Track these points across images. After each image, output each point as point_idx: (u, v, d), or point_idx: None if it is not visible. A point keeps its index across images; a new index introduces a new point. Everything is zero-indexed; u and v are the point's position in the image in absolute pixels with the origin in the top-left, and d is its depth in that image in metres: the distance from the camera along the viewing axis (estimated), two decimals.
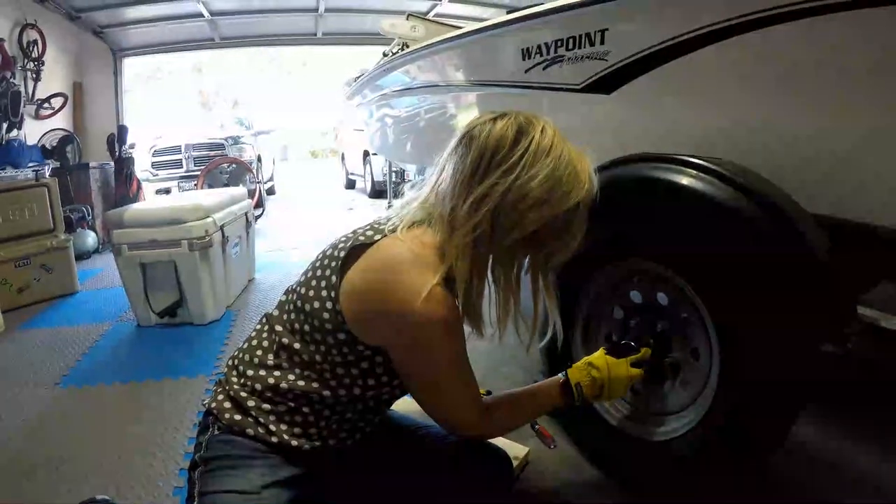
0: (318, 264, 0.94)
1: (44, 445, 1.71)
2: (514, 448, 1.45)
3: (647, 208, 1.23)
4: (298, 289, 0.96)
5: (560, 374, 1.13)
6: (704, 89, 1.37)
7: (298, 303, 0.93)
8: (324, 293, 0.89)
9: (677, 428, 1.26)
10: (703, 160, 1.14)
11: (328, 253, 0.94)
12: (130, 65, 7.13)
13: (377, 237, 0.90)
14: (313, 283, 0.92)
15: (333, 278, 0.89)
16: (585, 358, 1.15)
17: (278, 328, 0.95)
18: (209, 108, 17.08)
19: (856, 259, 1.19)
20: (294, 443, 0.92)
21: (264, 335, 0.98)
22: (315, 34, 7.34)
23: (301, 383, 0.91)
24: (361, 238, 0.90)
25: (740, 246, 1.08)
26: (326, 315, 0.88)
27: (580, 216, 0.92)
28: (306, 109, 16.68)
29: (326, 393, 0.91)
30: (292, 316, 0.94)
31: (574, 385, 1.08)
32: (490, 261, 0.90)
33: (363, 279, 0.86)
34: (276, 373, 0.92)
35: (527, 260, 0.97)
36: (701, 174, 1.12)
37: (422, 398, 0.95)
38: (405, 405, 1.12)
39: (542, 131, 0.87)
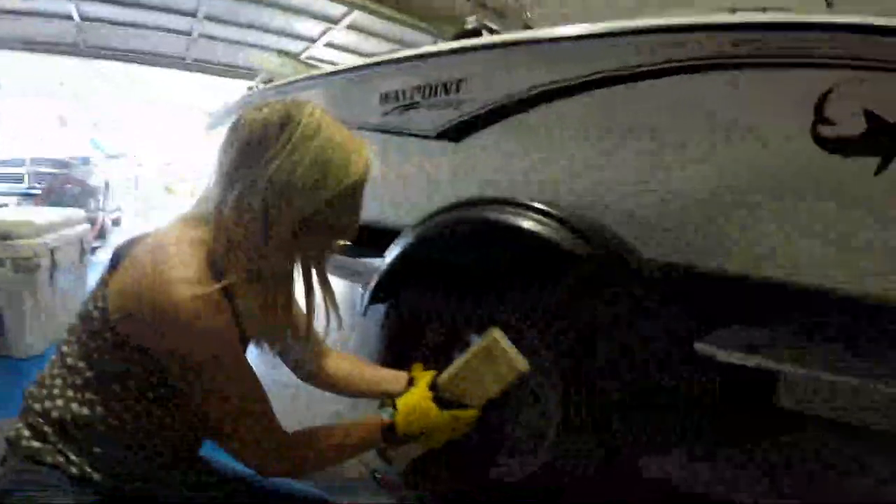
0: None
1: None
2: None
3: (488, 247, 1.34)
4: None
5: (386, 411, 0.99)
6: (543, 142, 1.46)
7: (79, 314, 0.84)
8: (97, 293, 0.82)
9: None
10: (541, 204, 1.29)
11: None
12: None
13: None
14: (92, 287, 0.84)
15: (105, 274, 0.82)
16: (414, 392, 1.00)
17: (64, 348, 0.84)
18: (65, 125, 15.73)
19: (701, 301, 1.27)
20: (96, 477, 0.79)
21: (55, 358, 0.86)
22: (184, 59, 7.14)
23: (85, 412, 0.79)
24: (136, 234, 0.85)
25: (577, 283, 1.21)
26: (96, 314, 0.80)
27: (356, 199, 0.88)
28: (164, 141, 15.60)
29: (114, 422, 0.80)
30: (74, 328, 0.85)
31: (400, 430, 0.96)
32: (273, 260, 0.83)
33: (131, 273, 0.78)
34: (60, 402, 0.81)
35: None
36: (539, 216, 1.27)
37: (212, 423, 0.84)
38: None
39: (309, 114, 0.82)
